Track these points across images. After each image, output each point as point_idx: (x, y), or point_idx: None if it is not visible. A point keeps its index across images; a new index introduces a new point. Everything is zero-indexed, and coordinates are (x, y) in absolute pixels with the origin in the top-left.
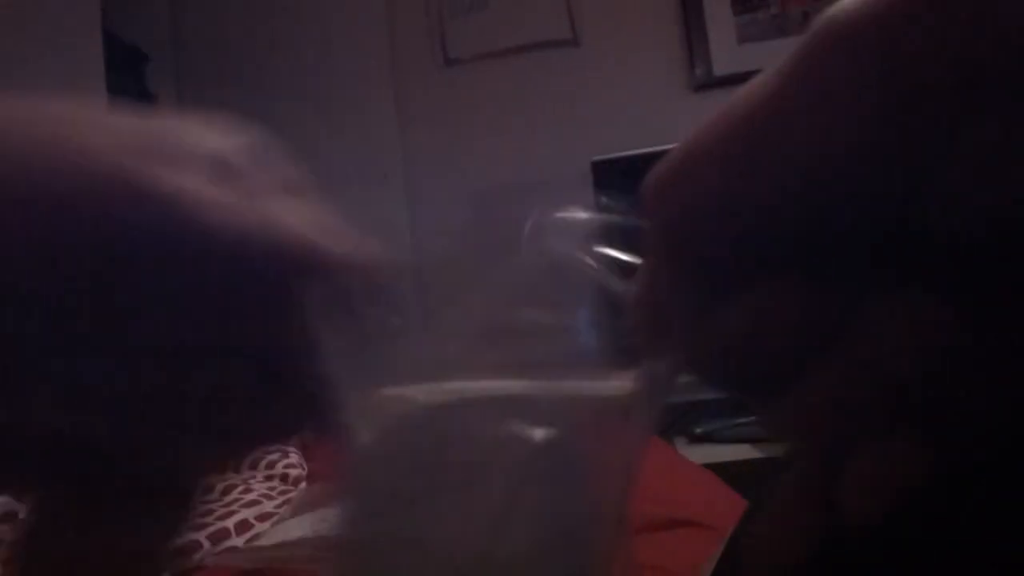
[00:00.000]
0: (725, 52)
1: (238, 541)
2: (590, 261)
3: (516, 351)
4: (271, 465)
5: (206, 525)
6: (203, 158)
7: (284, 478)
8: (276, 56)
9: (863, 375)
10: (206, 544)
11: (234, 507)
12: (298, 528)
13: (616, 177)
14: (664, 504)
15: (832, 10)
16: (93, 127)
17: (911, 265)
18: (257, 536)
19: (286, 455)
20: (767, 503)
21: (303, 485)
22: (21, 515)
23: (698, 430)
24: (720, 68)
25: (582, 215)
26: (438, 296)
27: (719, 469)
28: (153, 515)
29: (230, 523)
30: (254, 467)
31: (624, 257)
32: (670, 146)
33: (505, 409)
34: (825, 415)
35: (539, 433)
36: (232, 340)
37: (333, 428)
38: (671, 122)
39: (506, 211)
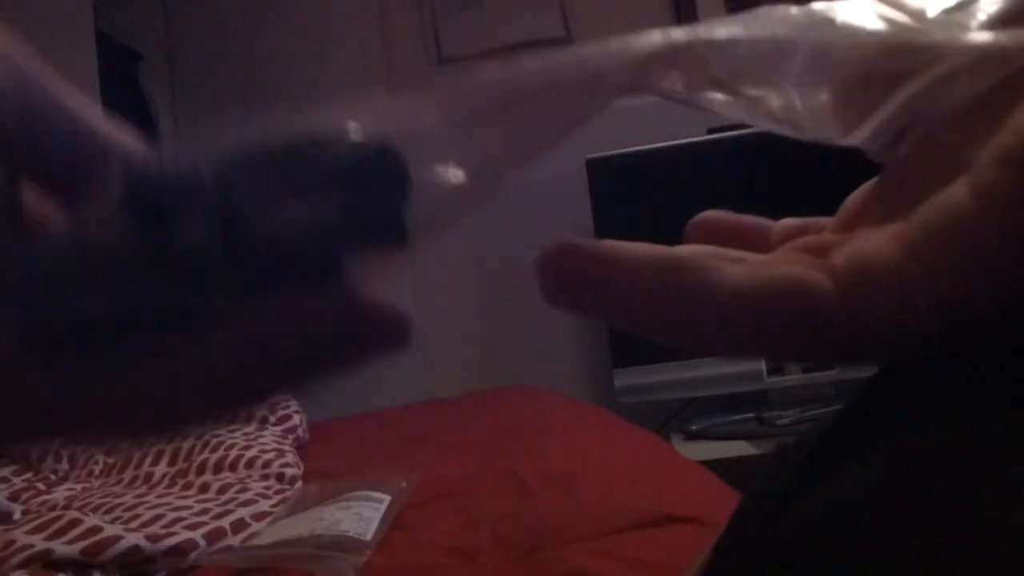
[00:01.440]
0: None
1: (234, 540)
2: None
3: None
4: (267, 464)
5: (202, 524)
6: None
7: (280, 477)
8: (269, 54)
9: None
10: (202, 543)
11: (230, 506)
12: (294, 527)
13: (611, 175)
14: (660, 501)
15: None
16: None
17: None
18: (253, 535)
19: (282, 454)
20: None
21: (299, 484)
22: (16, 516)
23: (694, 427)
24: None
25: None
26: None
27: (715, 466)
28: None
29: (226, 522)
30: (250, 466)
31: None
32: (664, 144)
33: None
34: None
35: None
36: None
37: None
38: (665, 120)
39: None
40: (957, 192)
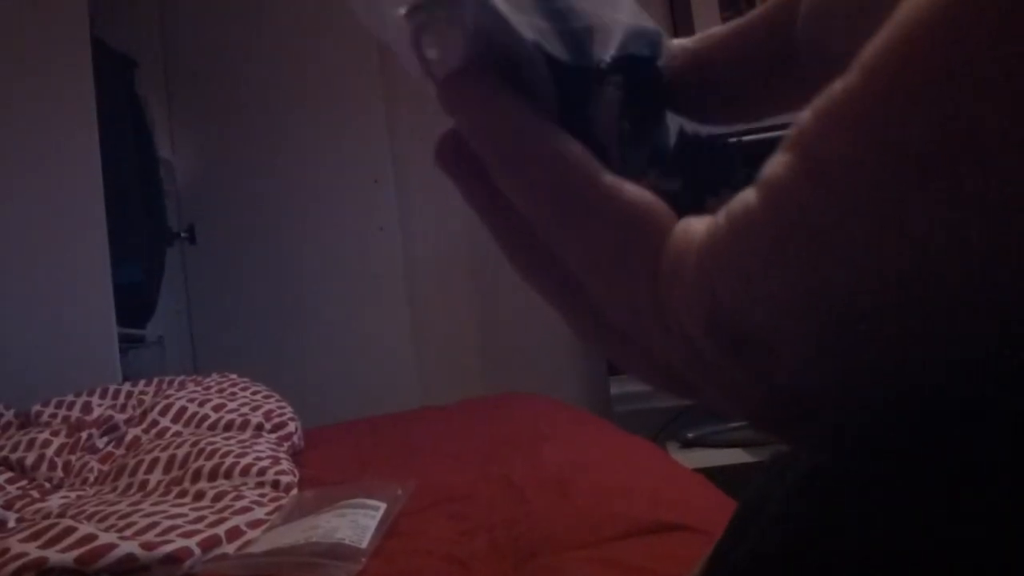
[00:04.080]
0: None
1: (229, 548)
2: None
3: None
4: (262, 472)
5: (197, 532)
6: None
7: (275, 484)
8: (266, 63)
9: None
10: (197, 551)
11: (226, 514)
12: (290, 535)
13: None
14: (654, 508)
15: None
16: None
17: None
18: (248, 543)
19: (277, 462)
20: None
21: (294, 492)
22: (10, 524)
23: (689, 435)
24: None
25: None
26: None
27: (711, 473)
28: None
29: (221, 530)
30: (246, 473)
31: None
32: None
33: None
34: None
35: None
36: None
37: None
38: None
39: None
40: (746, 191)
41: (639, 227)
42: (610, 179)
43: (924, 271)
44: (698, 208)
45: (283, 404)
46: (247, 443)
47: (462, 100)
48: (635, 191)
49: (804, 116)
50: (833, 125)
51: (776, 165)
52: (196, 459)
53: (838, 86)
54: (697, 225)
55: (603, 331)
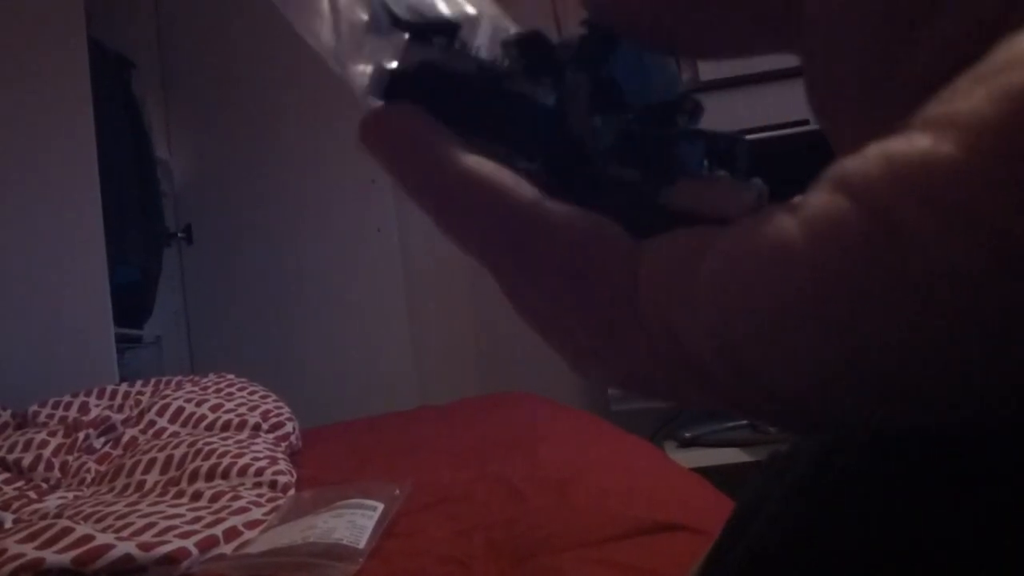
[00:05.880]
0: None
1: (227, 548)
2: None
3: None
4: (260, 472)
5: (194, 532)
6: None
7: (273, 485)
8: (263, 63)
9: None
10: (194, 551)
11: (223, 514)
12: (287, 535)
13: None
14: (652, 508)
15: None
16: None
17: None
18: (246, 543)
19: (275, 462)
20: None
21: (292, 492)
22: (7, 524)
23: (687, 434)
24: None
25: None
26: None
27: (708, 473)
28: None
29: (219, 530)
30: (243, 474)
31: None
32: None
33: None
34: None
35: None
36: None
37: None
38: None
39: None
40: (782, 217)
41: (595, 252)
42: (552, 208)
43: (979, 349)
44: (654, 199)
45: (280, 404)
46: (244, 443)
47: (382, 144)
48: (581, 216)
49: (872, 163)
50: (916, 195)
51: (829, 206)
52: (193, 459)
53: (924, 145)
54: (667, 246)
55: (590, 359)
